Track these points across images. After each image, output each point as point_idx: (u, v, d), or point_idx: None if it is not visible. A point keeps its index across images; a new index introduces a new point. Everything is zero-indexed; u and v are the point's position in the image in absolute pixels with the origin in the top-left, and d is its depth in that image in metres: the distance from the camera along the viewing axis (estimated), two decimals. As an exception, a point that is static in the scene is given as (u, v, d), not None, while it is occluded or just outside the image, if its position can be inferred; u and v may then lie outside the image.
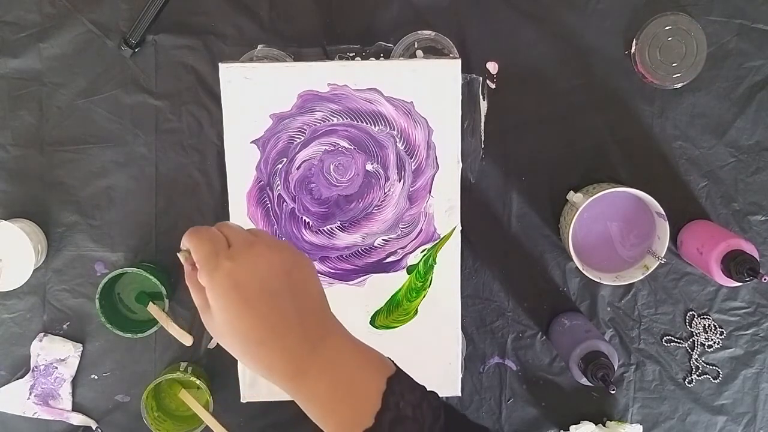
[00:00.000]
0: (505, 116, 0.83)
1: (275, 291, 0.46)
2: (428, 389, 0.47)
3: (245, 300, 0.45)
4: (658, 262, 0.80)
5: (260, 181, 0.75)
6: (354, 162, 0.75)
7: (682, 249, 0.84)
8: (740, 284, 0.78)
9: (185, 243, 0.49)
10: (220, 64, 0.72)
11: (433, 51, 0.80)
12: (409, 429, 0.44)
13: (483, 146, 0.83)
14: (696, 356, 0.87)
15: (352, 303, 0.76)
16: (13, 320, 0.84)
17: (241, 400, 0.77)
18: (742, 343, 0.87)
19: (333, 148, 0.74)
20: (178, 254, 0.51)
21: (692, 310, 0.87)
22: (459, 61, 0.72)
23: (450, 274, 0.76)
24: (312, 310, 0.48)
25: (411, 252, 0.76)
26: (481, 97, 0.83)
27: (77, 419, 0.85)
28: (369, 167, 0.75)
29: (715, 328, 0.87)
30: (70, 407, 0.85)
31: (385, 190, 0.75)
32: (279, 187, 0.75)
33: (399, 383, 0.46)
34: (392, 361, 0.48)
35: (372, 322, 0.77)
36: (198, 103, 0.82)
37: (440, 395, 0.48)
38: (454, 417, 0.47)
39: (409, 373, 0.48)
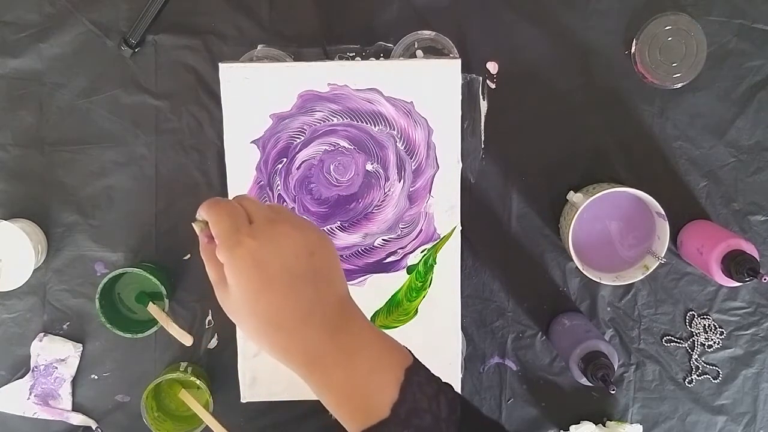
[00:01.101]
0: (505, 116, 0.83)
1: (298, 273, 0.44)
2: (443, 381, 0.47)
3: (266, 281, 0.43)
4: (658, 262, 0.80)
5: (260, 181, 0.75)
6: (354, 162, 0.75)
7: (682, 249, 0.84)
8: (740, 284, 0.78)
9: (202, 214, 0.47)
10: (220, 64, 0.72)
11: (433, 51, 0.80)
12: (425, 421, 0.43)
13: (483, 146, 0.83)
14: (696, 356, 0.87)
15: (352, 303, 0.76)
16: (13, 320, 0.84)
17: (241, 400, 0.77)
18: (742, 343, 0.87)
19: (333, 148, 0.74)
20: (193, 224, 0.48)
21: (692, 310, 0.87)
22: (459, 61, 0.73)
23: (450, 274, 0.76)
24: (333, 295, 0.46)
25: (411, 252, 0.76)
26: (481, 97, 0.83)
27: (77, 419, 0.85)
28: (369, 167, 0.75)
29: (715, 328, 0.87)
30: (70, 407, 0.85)
31: (385, 190, 0.75)
32: (279, 187, 0.75)
33: (417, 374, 0.45)
34: (409, 351, 0.47)
35: (372, 322, 0.77)
36: (198, 103, 0.82)
37: None
38: (469, 410, 0.47)
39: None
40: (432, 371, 0.47)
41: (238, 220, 0.45)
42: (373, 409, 0.43)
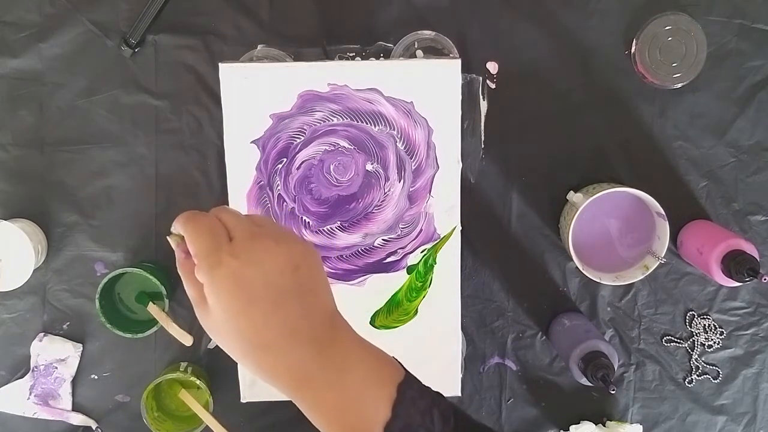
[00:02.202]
0: (505, 116, 0.83)
1: (282, 289, 0.42)
2: (435, 390, 0.46)
3: (250, 300, 0.41)
4: (658, 262, 0.79)
5: (260, 181, 0.75)
6: (354, 162, 0.75)
7: (682, 249, 0.84)
8: (740, 284, 0.78)
9: (178, 228, 0.45)
10: (220, 64, 0.72)
11: (433, 51, 0.80)
12: None
13: (483, 146, 0.83)
14: (696, 356, 0.87)
15: (352, 303, 0.77)
16: (13, 320, 0.84)
17: (241, 400, 0.77)
18: (742, 343, 0.87)
19: (333, 148, 0.74)
20: (168, 238, 0.46)
21: (692, 310, 0.87)
22: (459, 61, 0.73)
23: (450, 274, 0.76)
24: (320, 309, 0.44)
25: (411, 252, 0.76)
26: (481, 97, 0.83)
27: (77, 419, 0.85)
28: (369, 167, 0.75)
29: (715, 328, 0.87)
30: (70, 407, 0.85)
31: (385, 190, 0.75)
32: (279, 187, 0.75)
33: (410, 389, 0.43)
34: (400, 363, 0.46)
35: (372, 322, 0.77)
36: (198, 103, 0.82)
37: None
38: (463, 419, 0.46)
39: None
40: (424, 380, 0.46)
41: (217, 237, 0.43)
42: (366, 429, 0.42)
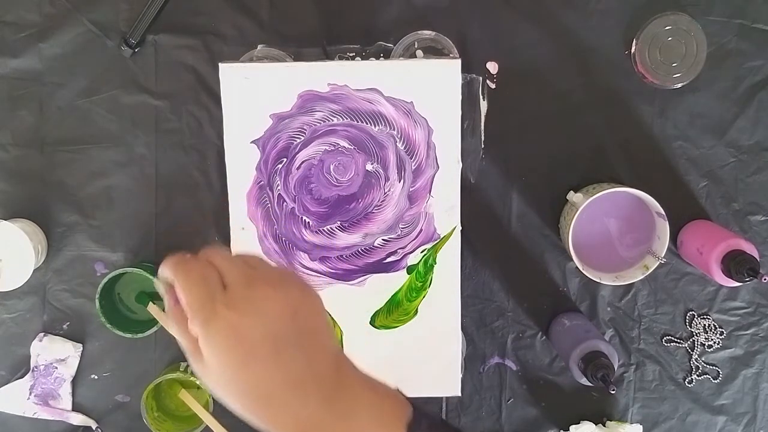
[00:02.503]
0: (505, 116, 0.83)
1: (282, 338, 0.40)
2: (442, 420, 0.45)
3: (248, 353, 0.39)
4: (658, 262, 0.79)
5: (260, 181, 0.75)
6: (354, 162, 0.75)
7: (682, 249, 0.84)
8: (740, 284, 0.78)
9: (168, 273, 0.42)
10: (220, 64, 0.72)
11: (433, 51, 0.80)
12: None
13: (483, 146, 0.83)
14: (696, 356, 0.87)
15: (352, 303, 0.76)
16: (13, 320, 0.84)
17: (241, 400, 0.77)
18: (742, 343, 0.87)
19: (333, 148, 0.74)
20: (156, 282, 0.44)
21: (692, 310, 0.87)
22: (459, 61, 0.72)
23: (450, 274, 0.76)
24: (324, 353, 0.42)
25: (411, 252, 0.76)
26: (481, 97, 0.83)
27: (77, 419, 0.85)
28: (369, 167, 0.75)
29: (715, 328, 0.86)
30: (70, 407, 0.85)
31: (385, 190, 0.75)
32: (279, 187, 0.75)
33: (418, 427, 0.42)
34: (407, 399, 0.44)
35: (372, 322, 0.77)
36: (198, 103, 0.82)
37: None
38: None
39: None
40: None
41: (210, 286, 0.40)
42: None
